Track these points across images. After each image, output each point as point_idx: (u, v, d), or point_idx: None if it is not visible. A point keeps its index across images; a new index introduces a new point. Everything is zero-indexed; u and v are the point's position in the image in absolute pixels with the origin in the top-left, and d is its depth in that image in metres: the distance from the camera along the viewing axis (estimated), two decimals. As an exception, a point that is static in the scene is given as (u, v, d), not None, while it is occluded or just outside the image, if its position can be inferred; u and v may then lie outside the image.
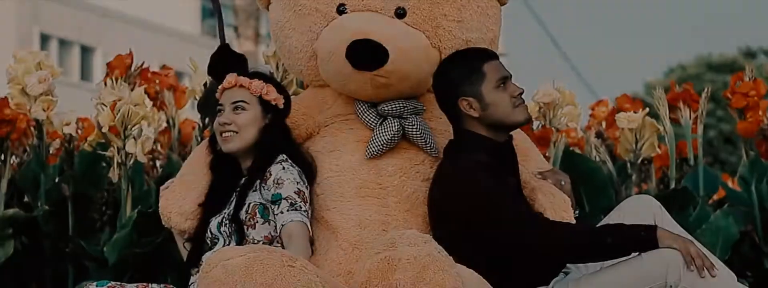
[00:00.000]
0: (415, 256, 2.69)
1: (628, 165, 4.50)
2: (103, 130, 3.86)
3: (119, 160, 3.85)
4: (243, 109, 3.20)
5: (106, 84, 3.94)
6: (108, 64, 4.23)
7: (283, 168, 3.14)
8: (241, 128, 3.18)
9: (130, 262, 3.88)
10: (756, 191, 4.43)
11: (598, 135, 4.92)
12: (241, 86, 3.22)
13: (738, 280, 3.33)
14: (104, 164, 4.11)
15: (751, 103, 4.48)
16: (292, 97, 3.46)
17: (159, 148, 4.63)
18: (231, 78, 3.24)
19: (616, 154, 4.64)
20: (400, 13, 3.31)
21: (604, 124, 5.04)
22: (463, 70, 3.16)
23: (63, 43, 26.32)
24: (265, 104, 3.22)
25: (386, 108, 3.30)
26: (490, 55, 3.21)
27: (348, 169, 3.28)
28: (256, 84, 3.22)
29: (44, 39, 25.80)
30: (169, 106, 4.41)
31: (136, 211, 3.87)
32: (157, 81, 4.39)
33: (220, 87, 3.29)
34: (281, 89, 3.29)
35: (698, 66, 28.51)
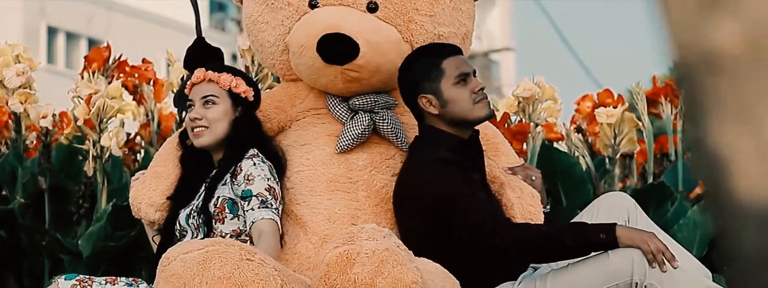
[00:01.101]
0: (374, 250, 2.68)
1: (607, 160, 4.48)
2: (79, 124, 3.86)
3: (94, 154, 3.85)
4: (213, 103, 3.20)
5: (82, 77, 3.93)
6: (86, 57, 4.23)
7: (254, 163, 3.13)
8: (212, 123, 3.19)
9: (104, 255, 3.88)
10: None
11: (579, 130, 4.90)
12: (210, 80, 3.22)
13: (715, 276, 3.32)
14: (81, 157, 4.11)
15: None
16: (265, 91, 3.45)
17: (143, 142, 4.63)
18: (199, 73, 3.25)
19: (596, 149, 4.62)
20: (372, 8, 3.30)
21: (587, 118, 5.01)
22: (422, 66, 3.16)
23: (70, 36, 26.35)
24: (234, 97, 3.22)
25: (357, 102, 3.30)
26: (451, 51, 3.20)
27: (318, 163, 3.28)
28: (225, 77, 3.22)
29: (51, 32, 25.82)
30: (148, 100, 4.41)
31: (110, 204, 3.87)
32: (136, 74, 4.38)
33: (188, 82, 3.29)
34: (250, 82, 3.30)
35: None
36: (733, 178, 0.72)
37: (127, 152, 4.50)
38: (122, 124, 4.52)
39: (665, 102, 4.54)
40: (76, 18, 26.07)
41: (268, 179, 3.12)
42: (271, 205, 3.09)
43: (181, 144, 3.32)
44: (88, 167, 3.91)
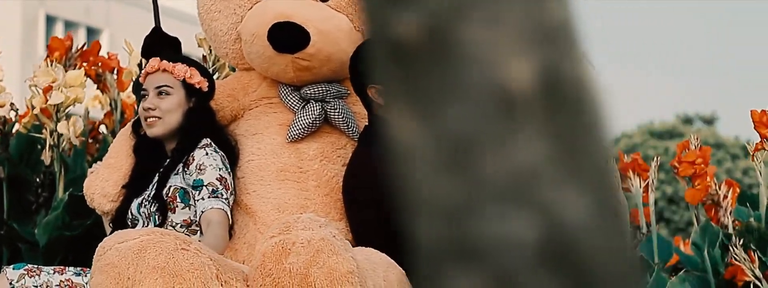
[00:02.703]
0: (309, 240, 2.68)
1: None
2: (35, 112, 3.85)
3: (52, 143, 3.84)
4: (167, 93, 3.20)
5: (40, 66, 3.93)
6: (48, 46, 4.22)
7: (206, 153, 3.14)
8: (165, 113, 3.19)
9: (60, 244, 3.87)
10: (709, 256, 4.39)
11: None
12: (165, 70, 3.22)
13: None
14: (40, 146, 4.10)
15: (698, 171, 4.49)
16: (220, 80, 3.45)
17: (106, 130, 4.62)
18: (154, 62, 3.25)
19: None
20: None
21: None
22: None
23: (69, 25, 26.34)
24: (188, 88, 3.22)
25: (309, 91, 3.30)
26: None
27: (269, 153, 3.28)
28: (179, 68, 3.22)
29: (50, 21, 25.84)
30: (111, 88, 4.40)
31: (67, 193, 3.86)
32: (100, 63, 4.38)
33: (143, 71, 3.30)
34: (205, 72, 3.29)
35: (641, 134, 30.20)
36: (413, 169, 0.72)
37: (91, 141, 4.49)
38: (87, 113, 4.52)
39: (633, 176, 4.56)
40: (74, 7, 26.08)
41: (219, 169, 3.12)
42: (222, 195, 3.09)
43: (135, 133, 3.32)
44: (45, 156, 3.90)
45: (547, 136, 0.72)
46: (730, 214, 4.52)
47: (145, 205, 3.17)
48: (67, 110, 3.86)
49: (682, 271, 4.50)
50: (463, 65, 0.71)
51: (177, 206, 3.13)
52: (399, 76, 0.72)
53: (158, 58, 3.25)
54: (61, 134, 3.85)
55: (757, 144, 4.30)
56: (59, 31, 25.80)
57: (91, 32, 26.87)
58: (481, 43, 0.71)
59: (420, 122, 0.72)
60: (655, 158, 4.60)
